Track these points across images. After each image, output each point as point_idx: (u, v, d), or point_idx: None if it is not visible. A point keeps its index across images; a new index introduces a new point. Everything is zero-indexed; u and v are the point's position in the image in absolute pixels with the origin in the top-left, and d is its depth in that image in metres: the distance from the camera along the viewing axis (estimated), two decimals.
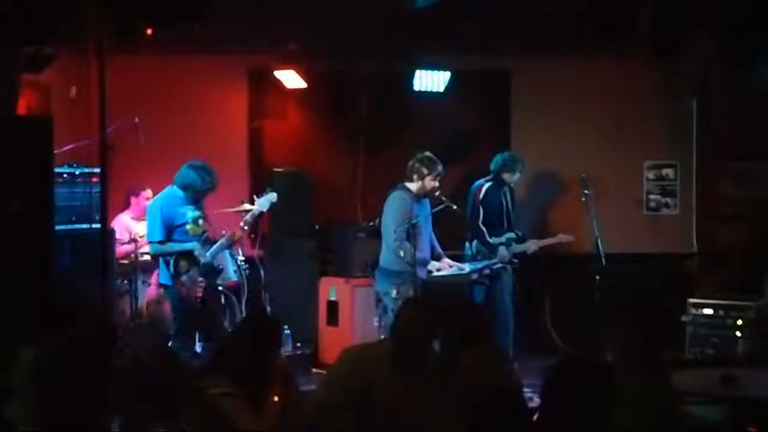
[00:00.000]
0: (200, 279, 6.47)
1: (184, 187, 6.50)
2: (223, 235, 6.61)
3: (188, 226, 6.51)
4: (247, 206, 6.95)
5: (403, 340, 4.13)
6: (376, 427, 4.00)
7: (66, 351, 3.33)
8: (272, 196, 6.82)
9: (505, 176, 7.35)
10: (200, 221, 6.59)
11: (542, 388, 3.07)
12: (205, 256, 6.48)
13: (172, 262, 6.48)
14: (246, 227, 6.69)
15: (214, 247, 6.55)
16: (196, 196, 6.52)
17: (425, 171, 6.66)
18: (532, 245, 7.41)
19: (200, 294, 6.47)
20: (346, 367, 4.22)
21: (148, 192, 8.12)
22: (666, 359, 3.92)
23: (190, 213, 6.53)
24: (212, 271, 6.58)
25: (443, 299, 5.29)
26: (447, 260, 6.91)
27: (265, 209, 6.81)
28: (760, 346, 7.00)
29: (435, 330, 4.21)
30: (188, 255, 6.48)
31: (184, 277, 6.45)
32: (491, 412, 3.03)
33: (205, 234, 6.60)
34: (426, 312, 4.26)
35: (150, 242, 6.57)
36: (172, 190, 6.55)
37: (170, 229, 6.48)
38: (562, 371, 3.09)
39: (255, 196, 6.88)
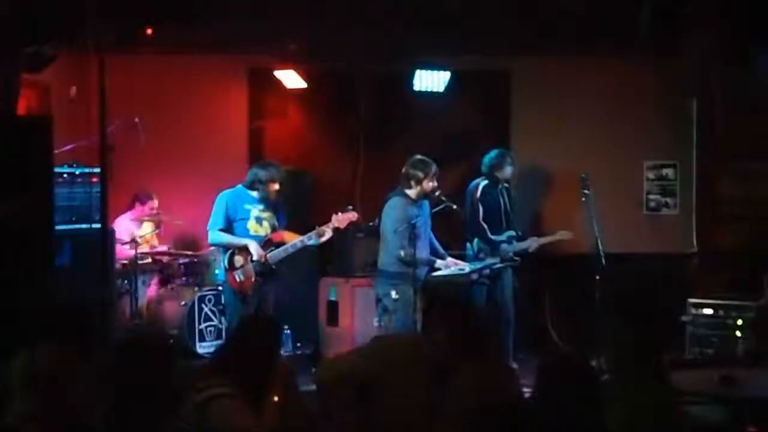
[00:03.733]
0: (256, 277, 6.51)
1: (246, 186, 6.59)
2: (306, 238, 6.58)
3: (249, 223, 6.55)
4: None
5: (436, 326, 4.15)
6: (382, 422, 4.00)
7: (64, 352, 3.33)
8: (351, 215, 6.67)
9: (498, 174, 7.34)
10: (264, 223, 6.60)
11: (533, 388, 3.14)
12: (263, 255, 6.48)
13: (227, 255, 6.54)
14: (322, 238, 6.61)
15: (279, 249, 6.55)
16: (262, 191, 6.53)
17: (421, 174, 6.66)
18: (533, 243, 7.43)
19: (250, 291, 6.51)
20: (374, 352, 4.22)
21: (155, 202, 8.15)
22: (663, 359, 3.92)
23: (256, 212, 6.57)
24: (269, 273, 6.56)
25: (444, 300, 5.27)
26: (452, 259, 6.91)
27: (342, 226, 6.69)
28: (760, 346, 7.00)
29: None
30: (245, 251, 6.52)
31: (237, 272, 6.50)
32: (491, 426, 3.06)
33: (267, 236, 6.58)
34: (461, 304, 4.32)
35: (210, 230, 6.56)
36: (239, 187, 6.62)
37: (230, 223, 6.54)
38: (545, 371, 3.16)
39: (335, 214, 6.68)
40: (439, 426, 3.77)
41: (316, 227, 6.60)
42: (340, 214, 6.61)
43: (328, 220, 6.63)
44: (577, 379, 3.12)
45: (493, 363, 4.10)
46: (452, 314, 4.18)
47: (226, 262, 6.56)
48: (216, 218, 6.54)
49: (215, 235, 6.57)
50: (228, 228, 6.55)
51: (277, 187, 6.59)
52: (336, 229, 6.65)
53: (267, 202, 6.60)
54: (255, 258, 6.48)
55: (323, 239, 6.61)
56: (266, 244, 6.56)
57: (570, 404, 3.05)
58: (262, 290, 6.56)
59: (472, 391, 3.74)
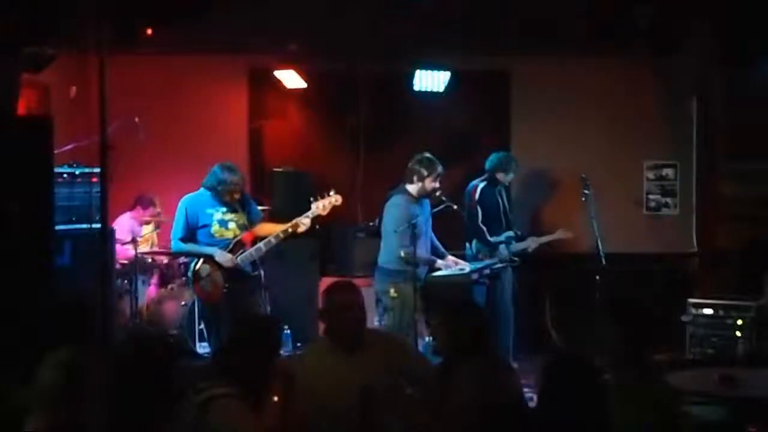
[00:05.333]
0: (224, 284, 6.23)
1: (207, 188, 6.32)
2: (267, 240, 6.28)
3: (213, 228, 6.29)
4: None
5: (339, 324, 4.25)
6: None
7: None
8: (334, 200, 6.36)
9: (499, 176, 7.37)
10: (231, 225, 6.32)
11: (537, 388, 3.15)
12: (230, 261, 6.21)
13: (192, 264, 6.34)
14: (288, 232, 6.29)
15: (248, 252, 6.27)
16: (220, 197, 6.26)
17: (425, 172, 6.65)
18: (531, 242, 7.44)
19: (220, 300, 6.24)
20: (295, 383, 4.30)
21: (156, 209, 8.17)
22: (654, 358, 3.94)
23: (218, 215, 6.31)
24: (242, 277, 6.28)
25: (444, 302, 5.29)
26: (452, 258, 6.90)
27: (325, 213, 6.40)
28: (760, 346, 7.00)
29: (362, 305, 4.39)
30: (211, 258, 6.26)
31: (202, 281, 6.28)
32: (492, 421, 3.07)
33: (237, 238, 6.29)
34: (350, 290, 4.41)
35: (172, 240, 6.38)
36: (202, 190, 6.36)
37: (193, 230, 6.29)
38: (551, 371, 3.16)
39: (312, 198, 6.38)
40: (439, 424, 3.77)
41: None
42: (320, 199, 6.31)
43: (328, 220, 6.58)
44: (582, 380, 3.12)
45: (493, 361, 4.12)
46: (452, 313, 4.21)
47: (191, 272, 6.33)
48: (176, 228, 6.29)
49: (176, 245, 6.34)
50: (192, 235, 6.28)
51: (237, 196, 6.29)
52: (318, 217, 6.37)
53: (229, 205, 6.31)
54: (225, 265, 6.20)
55: (301, 230, 6.29)
56: (236, 246, 6.27)
57: (576, 405, 3.05)
58: (236, 296, 6.24)
59: (472, 389, 3.75)
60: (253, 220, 6.47)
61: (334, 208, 6.43)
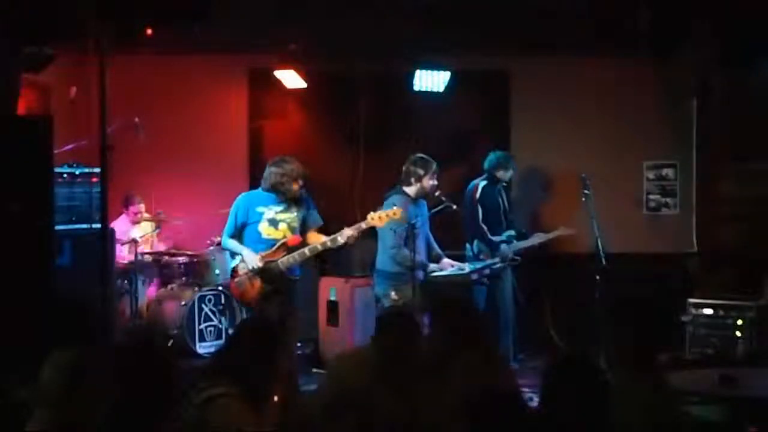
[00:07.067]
0: (263, 285, 6.06)
1: (264, 185, 6.19)
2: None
3: (261, 226, 6.12)
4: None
5: (387, 351, 4.10)
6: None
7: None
8: (392, 212, 6.11)
9: (499, 174, 7.38)
10: (281, 225, 6.13)
11: (540, 389, 3.14)
12: (256, 262, 6.02)
13: (233, 261, 6.22)
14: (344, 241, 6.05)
15: (293, 254, 6.07)
16: (278, 192, 6.10)
17: (421, 172, 6.63)
18: (537, 239, 7.46)
19: (254, 300, 6.09)
20: (330, 377, 4.27)
21: (141, 206, 8.14)
22: (658, 359, 3.94)
23: (270, 214, 6.13)
24: (281, 281, 6.11)
25: (440, 300, 5.28)
26: (447, 260, 6.89)
27: (381, 224, 6.16)
28: (760, 346, 7.00)
29: (419, 338, 4.20)
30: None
31: (237, 279, 6.16)
32: (488, 415, 3.06)
33: (284, 240, 6.10)
34: (409, 320, 4.23)
35: (222, 235, 6.26)
36: (259, 189, 6.23)
37: (242, 227, 6.16)
38: (555, 372, 3.16)
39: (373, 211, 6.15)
40: (437, 418, 3.78)
41: (345, 227, 6.06)
42: (378, 211, 6.10)
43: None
44: (584, 380, 3.12)
45: (484, 350, 4.15)
46: (448, 309, 4.22)
47: (230, 268, 6.25)
48: (228, 225, 6.20)
49: (224, 242, 6.27)
50: (240, 232, 6.17)
51: (295, 186, 6.10)
52: (369, 228, 6.14)
53: (288, 202, 6.13)
54: (251, 266, 6.04)
55: (342, 241, 6.05)
56: (279, 248, 6.08)
57: (577, 405, 3.05)
58: (270, 300, 6.06)
59: (466, 378, 3.76)
60: (309, 224, 6.28)
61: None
